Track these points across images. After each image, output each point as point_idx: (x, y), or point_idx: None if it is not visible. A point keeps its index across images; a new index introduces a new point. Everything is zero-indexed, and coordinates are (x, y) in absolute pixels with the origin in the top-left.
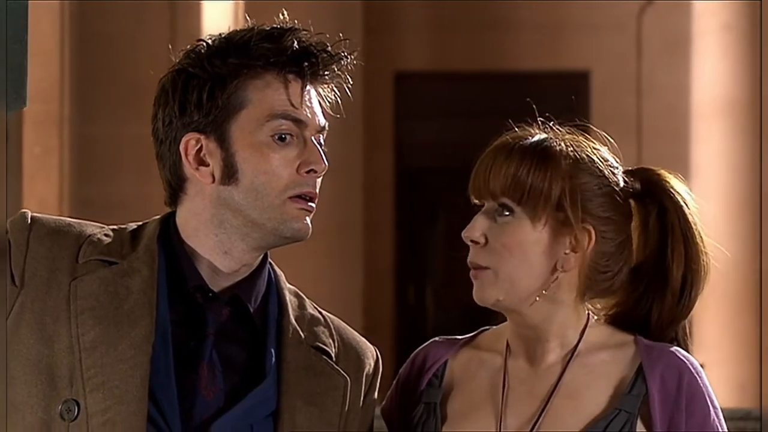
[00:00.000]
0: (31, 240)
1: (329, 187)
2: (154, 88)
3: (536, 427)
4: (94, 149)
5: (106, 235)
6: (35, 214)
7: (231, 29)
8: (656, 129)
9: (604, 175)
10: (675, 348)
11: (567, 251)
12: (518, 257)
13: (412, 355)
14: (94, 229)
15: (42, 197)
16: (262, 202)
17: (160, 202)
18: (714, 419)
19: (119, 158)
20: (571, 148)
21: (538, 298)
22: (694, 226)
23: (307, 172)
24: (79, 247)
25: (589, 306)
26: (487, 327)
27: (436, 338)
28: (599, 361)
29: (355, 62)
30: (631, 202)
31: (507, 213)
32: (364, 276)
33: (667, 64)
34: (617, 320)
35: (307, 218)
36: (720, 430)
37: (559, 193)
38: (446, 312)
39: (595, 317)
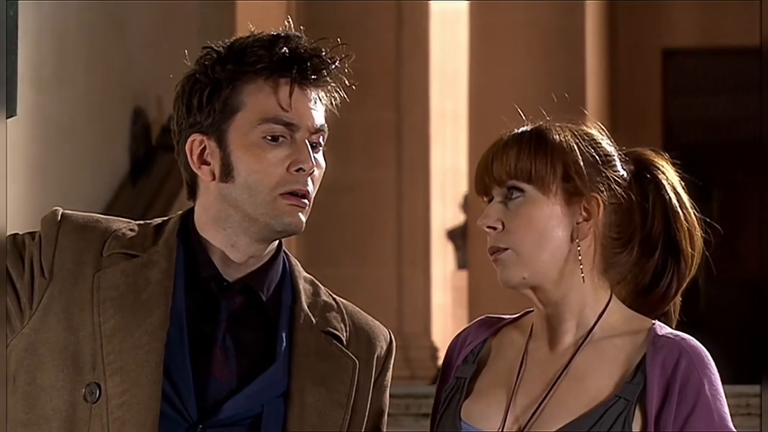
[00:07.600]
0: (60, 235)
1: None
2: (381, 75)
3: (540, 408)
4: None
5: (131, 230)
6: (66, 211)
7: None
8: None
9: (598, 149)
10: (685, 337)
11: (580, 220)
12: (536, 233)
13: (460, 331)
14: (121, 224)
15: None
16: (255, 199)
17: (387, 187)
18: (709, 404)
19: (347, 143)
20: (563, 129)
21: (559, 271)
22: (686, 200)
23: (297, 170)
24: (104, 242)
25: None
26: (532, 309)
27: (485, 316)
28: (611, 345)
29: (344, 68)
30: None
31: (518, 194)
32: None
33: None
34: (640, 293)
35: (300, 213)
36: (715, 416)
37: (563, 164)
38: (722, 288)
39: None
